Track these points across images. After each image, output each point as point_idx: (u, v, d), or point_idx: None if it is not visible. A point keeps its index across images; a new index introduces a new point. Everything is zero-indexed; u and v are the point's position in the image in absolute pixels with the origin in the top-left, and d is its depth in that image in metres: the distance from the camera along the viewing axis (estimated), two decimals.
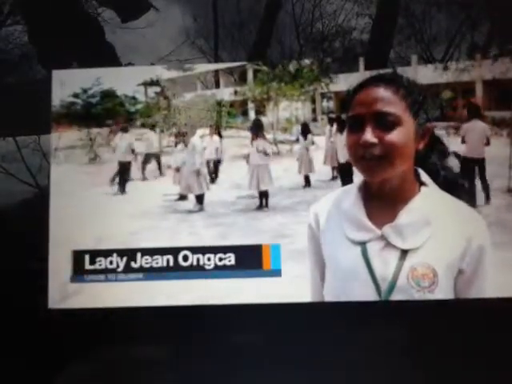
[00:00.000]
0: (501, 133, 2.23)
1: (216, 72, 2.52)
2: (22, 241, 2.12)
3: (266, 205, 2.39)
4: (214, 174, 2.56)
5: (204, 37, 2.84)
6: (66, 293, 1.77)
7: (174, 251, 1.90)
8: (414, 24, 2.71)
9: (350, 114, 1.09)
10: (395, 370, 1.43)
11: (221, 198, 2.38)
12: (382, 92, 1.07)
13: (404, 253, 1.08)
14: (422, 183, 1.13)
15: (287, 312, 1.56)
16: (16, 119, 2.43)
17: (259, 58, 2.55)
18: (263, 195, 2.43)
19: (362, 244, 1.11)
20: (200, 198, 2.42)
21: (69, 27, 2.20)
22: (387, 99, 1.06)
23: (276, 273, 1.84)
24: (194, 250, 1.90)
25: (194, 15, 2.78)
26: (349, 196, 1.17)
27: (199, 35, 2.81)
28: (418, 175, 1.14)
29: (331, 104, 2.51)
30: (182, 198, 2.43)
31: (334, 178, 2.50)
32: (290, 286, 1.67)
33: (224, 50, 2.88)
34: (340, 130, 2.43)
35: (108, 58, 2.33)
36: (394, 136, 1.04)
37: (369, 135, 1.04)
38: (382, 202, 1.12)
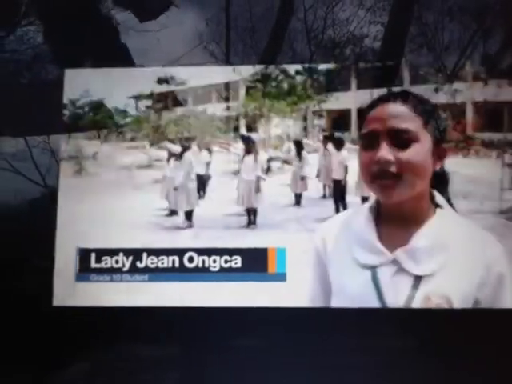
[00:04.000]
0: (490, 154, 2.22)
1: (208, 87, 2.51)
2: (30, 239, 2.12)
3: (254, 222, 2.36)
4: (202, 191, 2.53)
5: (216, 41, 2.85)
6: (71, 291, 1.77)
7: (180, 252, 1.90)
8: (426, 33, 2.71)
9: (365, 131, 1.03)
10: (397, 375, 1.42)
11: (209, 214, 2.36)
12: (399, 108, 1.02)
13: (417, 279, 1.01)
14: (437, 205, 1.07)
15: (291, 316, 1.56)
16: (27, 119, 2.44)
17: (270, 64, 2.55)
18: (251, 212, 2.41)
19: (373, 268, 1.03)
20: (189, 215, 2.40)
21: (83, 27, 2.22)
22: (404, 115, 1.01)
23: (281, 277, 1.83)
24: (200, 251, 1.90)
25: (207, 20, 2.79)
26: (359, 217, 1.10)
27: (211, 40, 2.82)
28: (433, 197, 1.07)
29: (322, 122, 2.51)
30: (173, 213, 2.41)
31: (324, 196, 2.47)
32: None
33: (236, 55, 2.89)
34: (337, 147, 2.42)
35: (122, 58, 2.34)
36: (411, 154, 0.98)
37: (384, 151, 0.98)
38: (395, 224, 1.05)
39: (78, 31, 2.22)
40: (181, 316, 1.65)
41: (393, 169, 0.99)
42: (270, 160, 2.56)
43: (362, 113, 1.07)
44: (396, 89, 1.11)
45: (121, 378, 1.61)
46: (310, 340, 1.54)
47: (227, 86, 2.41)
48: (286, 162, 2.54)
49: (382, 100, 1.05)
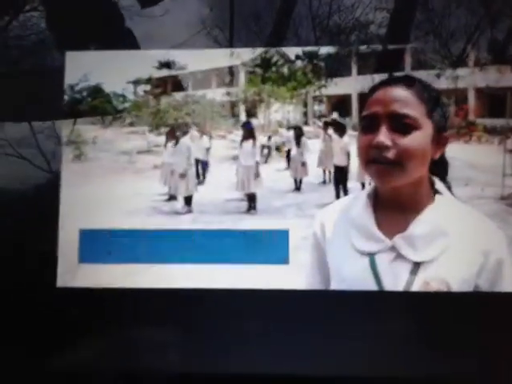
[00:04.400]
0: (492, 140, 2.20)
1: (208, 72, 2.51)
2: (35, 224, 2.15)
3: (254, 207, 2.37)
4: (202, 176, 2.55)
5: (220, 27, 2.83)
6: (75, 272, 1.80)
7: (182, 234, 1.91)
8: (432, 19, 2.67)
9: (365, 113, 1.03)
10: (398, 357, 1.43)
11: (209, 200, 2.37)
12: (402, 92, 1.00)
13: (416, 266, 1.01)
14: (436, 191, 1.08)
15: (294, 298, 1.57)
16: (31, 104, 2.46)
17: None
18: (251, 197, 2.42)
19: (371, 255, 1.04)
20: (188, 200, 2.42)
21: (87, 13, 2.22)
22: (406, 100, 0.99)
23: (283, 260, 1.84)
24: (202, 233, 1.91)
25: (210, 5, 2.77)
26: (358, 203, 1.11)
27: (215, 25, 2.81)
28: (432, 183, 1.08)
29: (323, 108, 2.49)
30: (172, 198, 2.43)
31: (324, 182, 2.47)
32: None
33: (239, 41, 2.87)
34: (340, 133, 2.41)
35: (127, 43, 2.34)
36: (411, 140, 0.98)
37: (383, 137, 0.98)
38: (394, 210, 1.06)
39: (81, 16, 2.22)
40: (183, 297, 1.67)
41: (390, 154, 0.99)
42: (263, 147, 2.56)
43: (364, 97, 1.07)
44: (398, 74, 1.10)
45: (123, 358, 1.63)
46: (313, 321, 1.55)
47: (227, 70, 2.40)
48: (277, 148, 2.54)
49: (386, 83, 1.06)
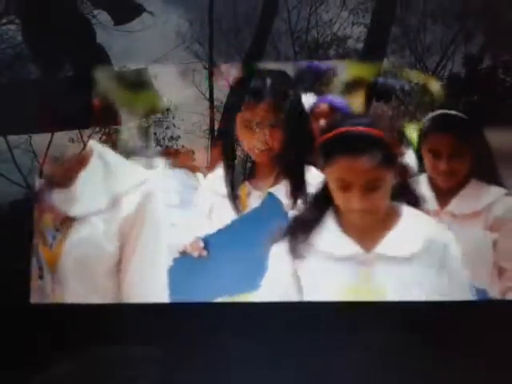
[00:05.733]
0: None
1: None
2: (10, 241, 2.10)
3: None
4: None
5: (199, 42, 2.84)
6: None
7: None
8: (408, 34, 2.73)
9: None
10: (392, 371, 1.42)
11: None
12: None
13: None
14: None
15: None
16: (7, 118, 2.42)
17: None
18: None
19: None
20: None
21: (63, 28, 2.20)
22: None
23: None
24: None
25: (190, 20, 2.79)
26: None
27: (195, 40, 2.82)
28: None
29: None
30: None
31: None
32: None
33: (219, 56, 2.89)
34: None
35: (101, 60, 2.32)
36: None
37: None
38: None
39: (57, 31, 2.21)
40: (159, 312, 1.63)
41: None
42: None
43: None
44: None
45: (100, 377, 1.58)
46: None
47: None
48: None
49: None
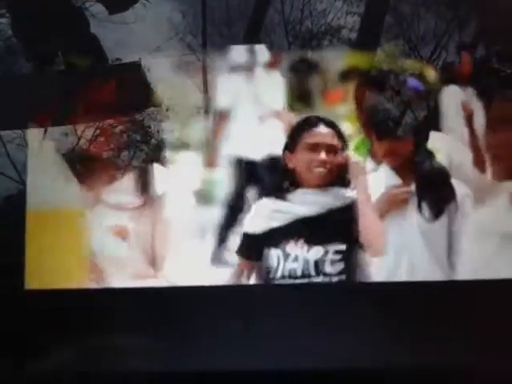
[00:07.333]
0: None
1: None
2: (5, 233, 2.09)
3: None
4: None
5: (192, 33, 2.82)
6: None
7: None
8: (402, 23, 2.72)
9: None
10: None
11: None
12: None
13: None
14: None
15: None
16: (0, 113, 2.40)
17: None
18: None
19: None
20: None
21: (54, 20, 2.18)
22: None
23: None
24: None
25: (183, 11, 2.77)
26: None
27: (188, 31, 2.80)
28: None
29: None
30: None
31: None
32: None
33: (213, 47, 2.87)
34: None
35: (94, 52, 2.30)
36: None
37: None
38: None
39: (48, 23, 2.19)
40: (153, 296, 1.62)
41: None
42: None
43: None
44: None
45: (94, 364, 1.57)
46: None
47: None
48: None
49: None
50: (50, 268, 1.78)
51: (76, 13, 2.26)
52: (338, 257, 1.32)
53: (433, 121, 2.12)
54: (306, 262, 1.32)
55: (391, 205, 1.54)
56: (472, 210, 1.55)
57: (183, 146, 2.37)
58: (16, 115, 2.36)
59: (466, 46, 2.41)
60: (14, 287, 1.71)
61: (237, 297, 1.50)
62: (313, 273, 1.32)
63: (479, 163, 1.72)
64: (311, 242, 1.34)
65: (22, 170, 2.66)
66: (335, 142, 1.39)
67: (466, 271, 1.51)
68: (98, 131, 2.61)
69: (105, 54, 2.30)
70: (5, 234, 2.04)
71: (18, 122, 2.44)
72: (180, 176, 2.19)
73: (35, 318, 1.57)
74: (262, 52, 2.33)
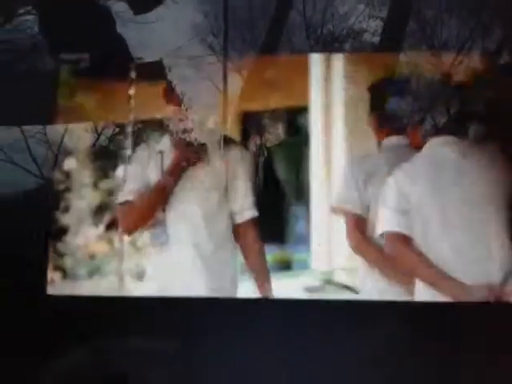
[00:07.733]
0: None
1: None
2: (25, 230, 2.12)
3: None
4: None
5: (214, 34, 2.83)
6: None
7: None
8: (425, 28, 2.70)
9: None
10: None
11: None
12: None
13: None
14: None
15: None
16: (23, 109, 2.43)
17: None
18: None
19: None
20: None
21: (80, 18, 2.21)
22: None
23: None
24: None
25: (205, 12, 2.78)
26: None
27: (209, 32, 2.81)
28: None
29: None
30: None
31: None
32: None
33: (233, 48, 2.88)
34: None
35: (119, 50, 2.32)
36: None
37: None
38: None
39: (74, 22, 2.21)
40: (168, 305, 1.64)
41: None
42: None
43: None
44: None
45: (114, 368, 1.60)
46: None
47: None
48: None
49: None
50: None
51: (102, 11, 2.28)
52: None
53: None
54: None
55: None
56: None
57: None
58: (38, 111, 2.40)
59: (489, 52, 2.39)
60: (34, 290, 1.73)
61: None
62: None
63: None
64: None
65: (43, 165, 2.70)
66: None
67: None
68: (117, 129, 2.63)
69: (130, 52, 2.32)
70: (25, 231, 2.08)
71: (40, 117, 2.47)
72: None
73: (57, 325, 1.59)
74: None
